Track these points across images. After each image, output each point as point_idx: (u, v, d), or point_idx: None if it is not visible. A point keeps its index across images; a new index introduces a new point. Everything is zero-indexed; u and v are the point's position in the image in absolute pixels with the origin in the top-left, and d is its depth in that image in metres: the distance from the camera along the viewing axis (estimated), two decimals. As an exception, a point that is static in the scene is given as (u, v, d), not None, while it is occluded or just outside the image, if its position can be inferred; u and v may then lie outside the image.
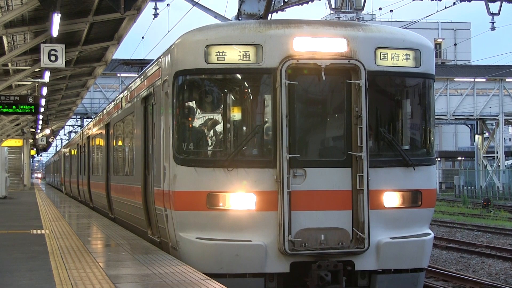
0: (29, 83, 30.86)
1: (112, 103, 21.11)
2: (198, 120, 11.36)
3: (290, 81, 10.66)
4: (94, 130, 25.66)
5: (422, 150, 11.70)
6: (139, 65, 25.33)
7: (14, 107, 27.42)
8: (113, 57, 28.80)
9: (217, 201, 10.61)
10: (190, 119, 11.27)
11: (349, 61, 10.82)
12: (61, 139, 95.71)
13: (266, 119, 10.88)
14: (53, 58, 19.68)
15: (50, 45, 19.96)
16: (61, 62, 19.78)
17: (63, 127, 78.02)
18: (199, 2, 24.99)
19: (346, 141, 10.90)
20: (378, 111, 11.21)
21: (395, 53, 11.23)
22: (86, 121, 60.72)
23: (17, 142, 54.72)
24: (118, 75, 59.10)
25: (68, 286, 8.65)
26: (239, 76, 11.07)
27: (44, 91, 30.41)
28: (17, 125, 47.75)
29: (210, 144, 11.34)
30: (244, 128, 11.09)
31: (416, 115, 11.74)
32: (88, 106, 64.73)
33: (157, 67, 12.60)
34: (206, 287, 8.47)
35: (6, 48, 23.31)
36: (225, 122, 11.09)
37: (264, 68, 10.73)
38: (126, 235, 14.80)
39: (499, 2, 31.83)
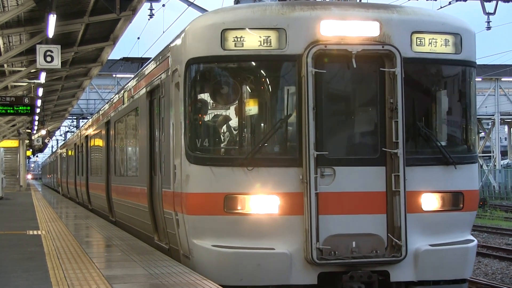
0: (25, 84, 30.90)
1: (113, 99, 19.95)
2: (214, 113, 10.33)
3: (317, 69, 9.54)
4: (93, 129, 24.70)
5: (463, 146, 10.54)
6: (139, 61, 25.20)
7: (10, 108, 27.43)
8: (108, 58, 28.84)
9: (235, 204, 9.52)
10: (204, 112, 10.21)
11: (383, 47, 9.69)
12: (57, 140, 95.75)
13: (290, 112, 9.70)
14: (48, 59, 19.71)
15: (46, 46, 19.99)
16: (56, 63, 19.81)
17: (59, 128, 78.06)
18: (194, 3, 24.99)
19: (379, 137, 9.79)
20: (415, 103, 10.08)
21: (433, 38, 10.07)
22: (82, 121, 60.75)
23: (13, 143, 54.70)
24: (114, 75, 59.12)
25: (65, 286, 8.65)
26: (259, 64, 9.94)
27: (40, 92, 30.41)
28: (13, 126, 47.78)
29: (227, 140, 10.21)
30: (265, 122, 10.01)
31: (456, 108, 10.54)
32: (84, 107, 64.78)
33: (166, 56, 11.47)
34: (202, 287, 8.46)
35: (2, 49, 23.33)
36: (244, 115, 10.01)
37: (288, 55, 9.62)
38: (123, 236, 14.78)
39: (494, 2, 31.85)
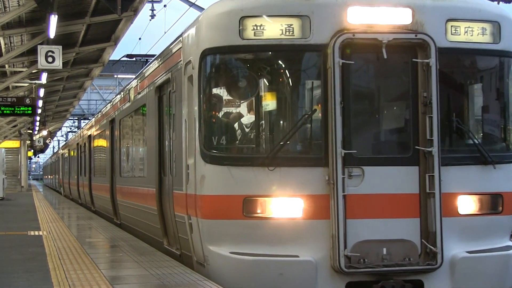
0: (26, 84, 30.91)
1: (118, 96, 18.97)
2: (231, 109, 9.46)
3: (345, 60, 8.76)
4: (97, 128, 23.90)
5: (501, 144, 9.72)
6: (143, 57, 25.00)
7: (11, 108, 27.44)
8: (110, 58, 28.87)
9: (255, 207, 8.78)
10: (220, 108, 9.39)
11: (416, 36, 8.90)
12: (58, 141, 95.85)
13: (315, 107, 8.97)
14: (50, 59, 19.72)
15: (47, 47, 20.00)
16: (58, 64, 19.82)
17: (60, 129, 78.10)
18: (195, 3, 24.99)
19: (412, 134, 9.01)
20: (449, 97, 9.33)
21: (469, 27, 9.26)
22: (83, 122, 60.83)
23: (14, 144, 54.76)
24: (115, 76, 59.12)
25: (66, 287, 8.64)
26: (281, 54, 9.15)
27: (41, 92, 30.45)
28: (14, 126, 47.80)
29: (246, 138, 9.40)
30: (287, 118, 9.22)
31: (494, 102, 9.72)
32: (85, 107, 64.82)
33: (177, 47, 10.64)
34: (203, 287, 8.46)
35: (3, 50, 23.35)
36: (264, 111, 9.19)
37: (312, 45, 8.85)
38: (124, 236, 14.76)
39: (495, 2, 31.84)
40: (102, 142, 22.42)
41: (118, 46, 25.43)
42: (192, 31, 9.74)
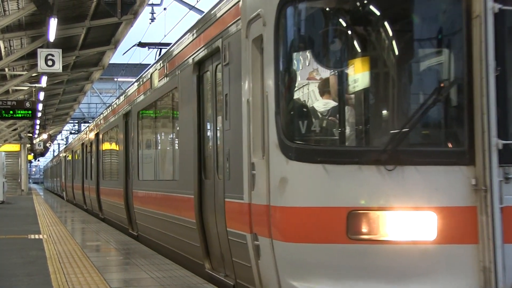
0: (26, 88, 30.93)
1: (134, 84, 16.05)
2: (325, 82, 6.66)
3: (503, 6, 5.82)
4: (106, 124, 21.19)
5: None
6: (156, 46, 24.64)
7: (11, 112, 27.45)
8: (109, 62, 28.89)
9: (365, 225, 6.08)
10: (308, 80, 6.69)
11: None
12: (59, 144, 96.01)
13: (454, 77, 6.20)
14: (50, 63, 19.74)
15: (47, 50, 20.02)
16: (58, 67, 19.84)
17: (60, 132, 78.19)
18: (195, 6, 25.01)
19: None
20: None
21: None
22: (84, 125, 60.92)
23: (14, 147, 54.80)
24: (115, 79, 59.23)
25: (67, 291, 8.64)
26: (399, 1, 6.42)
27: (41, 96, 30.48)
28: (14, 130, 47.84)
29: (350, 123, 6.51)
30: (412, 93, 6.53)
31: None
32: (86, 111, 64.97)
33: (232, 3, 7.98)
34: (204, 291, 8.45)
35: (3, 53, 23.35)
36: (376, 83, 6.50)
37: None
38: (124, 240, 14.75)
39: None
40: (113, 140, 19.75)
41: (117, 49, 25.47)
42: None
